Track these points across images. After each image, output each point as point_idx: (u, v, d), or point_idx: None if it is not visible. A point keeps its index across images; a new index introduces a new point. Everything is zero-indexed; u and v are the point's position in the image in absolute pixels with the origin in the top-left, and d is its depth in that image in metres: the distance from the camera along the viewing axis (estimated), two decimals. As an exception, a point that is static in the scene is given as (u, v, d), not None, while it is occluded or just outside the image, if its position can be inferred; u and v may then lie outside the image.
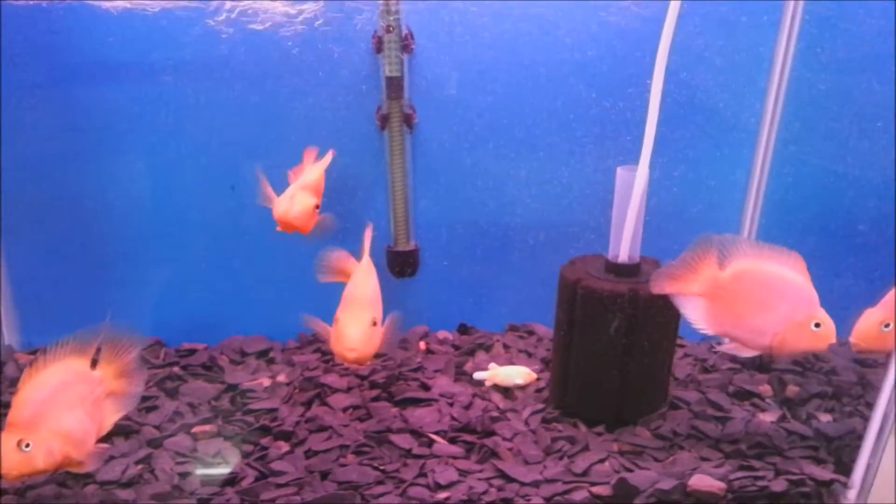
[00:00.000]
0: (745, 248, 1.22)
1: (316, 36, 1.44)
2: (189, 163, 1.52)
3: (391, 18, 1.42)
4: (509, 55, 1.50)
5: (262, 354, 1.59)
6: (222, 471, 1.23)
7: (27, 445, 1.03)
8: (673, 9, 1.21)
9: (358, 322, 1.20)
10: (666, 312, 1.32)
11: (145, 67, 1.45)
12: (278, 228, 1.31)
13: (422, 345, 1.63)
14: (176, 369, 1.50)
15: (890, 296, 1.29)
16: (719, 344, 1.36)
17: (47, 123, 1.47)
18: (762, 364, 1.57)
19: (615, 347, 1.31)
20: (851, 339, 1.30)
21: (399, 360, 1.55)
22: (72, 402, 1.09)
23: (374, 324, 1.22)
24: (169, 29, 1.41)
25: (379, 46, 1.44)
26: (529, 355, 1.60)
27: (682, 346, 1.65)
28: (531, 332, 1.69)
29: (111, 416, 1.15)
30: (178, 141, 1.51)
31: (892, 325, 1.26)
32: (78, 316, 1.47)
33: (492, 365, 1.50)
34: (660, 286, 1.21)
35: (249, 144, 1.51)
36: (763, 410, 1.43)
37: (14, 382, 1.39)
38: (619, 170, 1.30)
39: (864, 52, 1.50)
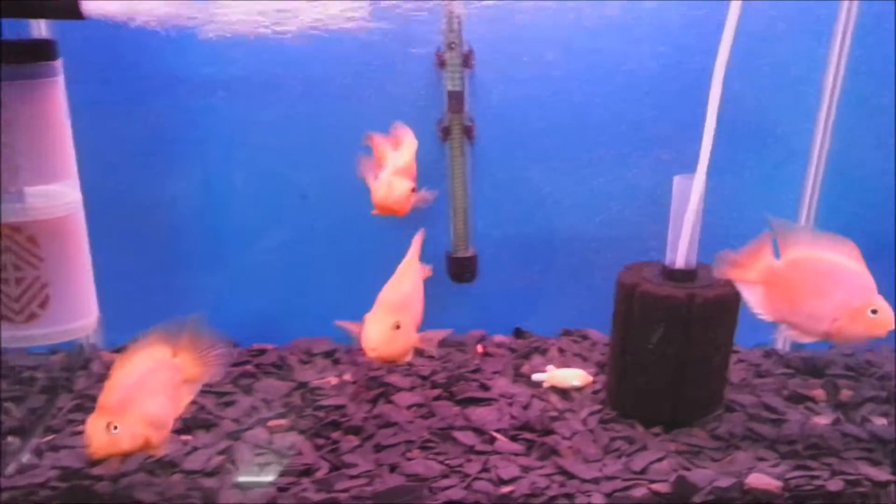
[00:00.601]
0: (802, 235, 1.27)
1: (380, 50, 1.51)
2: (259, 171, 1.61)
3: (453, 36, 1.49)
4: (563, 67, 1.56)
5: (328, 355, 1.66)
6: (298, 462, 1.30)
7: (115, 428, 1.11)
8: (732, 20, 1.26)
9: (380, 323, 1.26)
10: (722, 317, 1.36)
11: (218, 82, 1.54)
12: (375, 212, 1.37)
13: (479, 348, 1.69)
14: (249, 367, 1.59)
15: None
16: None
17: (129, 134, 1.57)
18: (815, 368, 1.60)
19: (671, 350, 1.36)
20: None
21: (457, 362, 1.61)
22: (156, 388, 1.18)
23: (398, 326, 1.27)
24: (236, 44, 1.50)
25: (442, 62, 1.51)
26: (584, 359, 1.65)
27: (736, 352, 1.67)
28: (585, 337, 1.74)
29: (185, 400, 1.24)
30: (249, 150, 1.60)
31: None
32: (157, 316, 1.58)
33: (549, 367, 1.55)
34: (719, 271, 1.27)
35: (316, 152, 1.59)
36: (817, 414, 1.46)
37: (101, 378, 1.49)
38: (676, 178, 1.35)
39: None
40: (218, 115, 1.56)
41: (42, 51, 1.02)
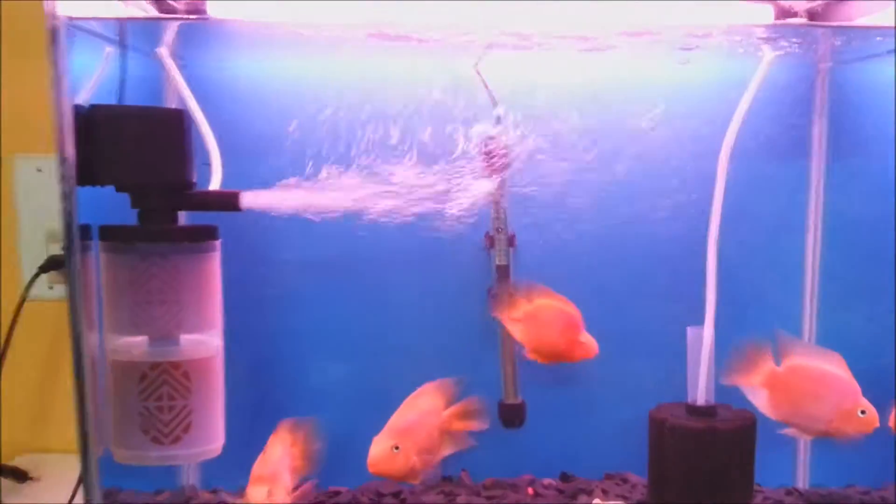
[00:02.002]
0: (797, 346, 1.59)
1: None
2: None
3: (500, 222, 1.86)
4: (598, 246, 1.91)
5: (395, 496, 1.87)
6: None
7: (396, 448, 1.51)
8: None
9: (379, 444, 1.55)
10: (742, 447, 1.59)
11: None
12: None
13: (530, 490, 1.89)
14: (327, 505, 1.80)
15: None
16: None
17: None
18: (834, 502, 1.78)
19: (700, 480, 1.57)
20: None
21: (511, 500, 1.81)
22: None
23: (397, 448, 1.54)
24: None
25: (491, 243, 1.87)
26: (625, 499, 1.83)
27: (759, 491, 1.86)
28: (625, 480, 1.93)
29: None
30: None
31: None
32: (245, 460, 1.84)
33: (595, 501, 1.75)
34: (728, 378, 1.56)
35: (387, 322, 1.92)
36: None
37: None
38: (689, 329, 1.63)
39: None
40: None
41: (209, 232, 1.38)
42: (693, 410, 1.63)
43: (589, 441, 1.96)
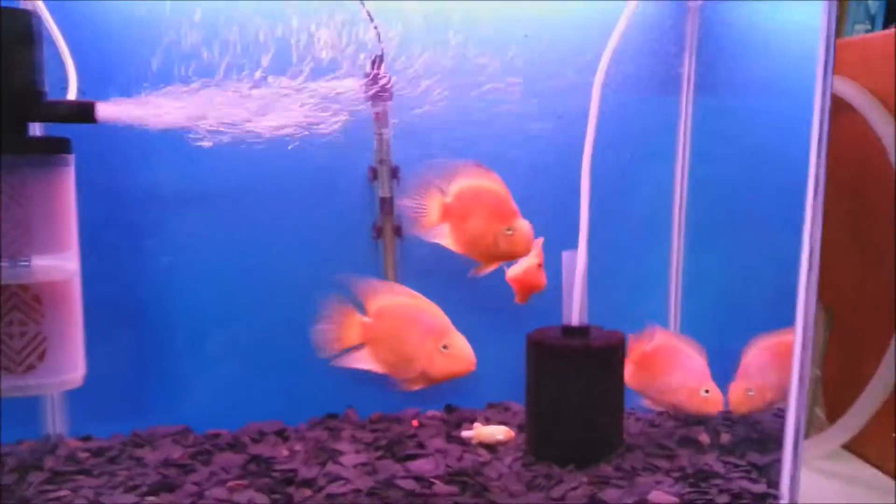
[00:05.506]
0: (664, 334, 1.79)
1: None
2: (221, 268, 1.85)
3: (383, 153, 1.83)
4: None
5: (278, 434, 1.83)
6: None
7: (750, 391, 1.67)
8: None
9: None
10: (614, 364, 1.64)
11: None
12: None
13: (414, 422, 1.89)
14: (207, 446, 1.74)
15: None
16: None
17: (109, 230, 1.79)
18: (699, 420, 1.88)
19: (576, 397, 1.62)
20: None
21: (395, 431, 1.81)
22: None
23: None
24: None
25: (374, 175, 1.84)
26: (507, 425, 1.87)
27: (632, 412, 1.94)
28: (507, 408, 1.97)
29: None
30: (203, 257, 1.85)
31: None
32: (118, 405, 1.75)
33: (476, 424, 1.77)
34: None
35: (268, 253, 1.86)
36: (704, 453, 1.71)
37: (67, 460, 1.62)
38: (563, 253, 1.67)
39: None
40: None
41: (62, 145, 1.29)
42: (568, 331, 1.67)
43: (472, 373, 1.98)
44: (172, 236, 1.82)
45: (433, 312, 1.54)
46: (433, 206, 1.60)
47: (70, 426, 1.80)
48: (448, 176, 1.61)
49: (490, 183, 1.60)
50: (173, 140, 1.39)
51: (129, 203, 1.78)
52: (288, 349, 1.86)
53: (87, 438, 1.80)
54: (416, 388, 1.54)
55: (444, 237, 1.61)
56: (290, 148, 1.41)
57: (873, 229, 1.89)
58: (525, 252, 1.62)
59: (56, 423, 1.80)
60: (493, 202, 1.58)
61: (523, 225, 1.59)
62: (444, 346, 1.51)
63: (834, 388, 2.00)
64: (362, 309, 1.62)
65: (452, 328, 1.53)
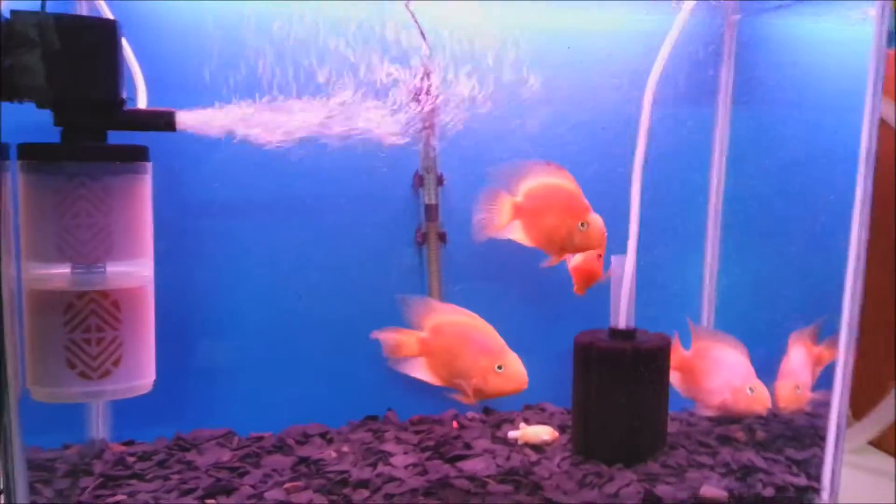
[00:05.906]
0: (703, 333, 1.80)
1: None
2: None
3: (430, 162, 1.86)
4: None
5: (322, 436, 1.85)
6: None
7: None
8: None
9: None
10: (661, 365, 1.69)
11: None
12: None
13: (454, 423, 1.92)
14: (254, 448, 1.75)
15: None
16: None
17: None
18: (734, 420, 1.94)
19: (625, 398, 1.67)
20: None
21: (439, 433, 1.84)
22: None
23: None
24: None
25: (420, 182, 1.87)
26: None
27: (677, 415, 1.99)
28: (543, 409, 2.01)
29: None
30: (246, 263, 1.86)
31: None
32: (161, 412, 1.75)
33: (522, 424, 1.81)
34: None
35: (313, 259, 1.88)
36: (741, 451, 1.77)
37: (114, 464, 1.62)
38: (613, 257, 1.71)
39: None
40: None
41: (141, 153, 1.30)
42: (616, 334, 1.72)
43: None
44: (215, 242, 1.82)
45: (488, 333, 1.56)
46: (504, 207, 1.64)
47: (112, 430, 1.80)
48: (513, 177, 1.65)
49: (562, 180, 1.64)
50: (225, 146, 1.40)
51: (173, 209, 1.78)
52: (328, 353, 1.89)
53: (129, 443, 1.79)
54: (470, 402, 1.56)
55: (516, 233, 1.65)
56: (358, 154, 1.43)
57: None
58: (599, 244, 1.67)
59: (99, 427, 1.79)
60: (566, 198, 1.63)
61: (596, 219, 1.64)
62: (499, 367, 1.54)
63: (858, 385, 2.08)
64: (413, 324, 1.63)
65: (507, 349, 1.55)
